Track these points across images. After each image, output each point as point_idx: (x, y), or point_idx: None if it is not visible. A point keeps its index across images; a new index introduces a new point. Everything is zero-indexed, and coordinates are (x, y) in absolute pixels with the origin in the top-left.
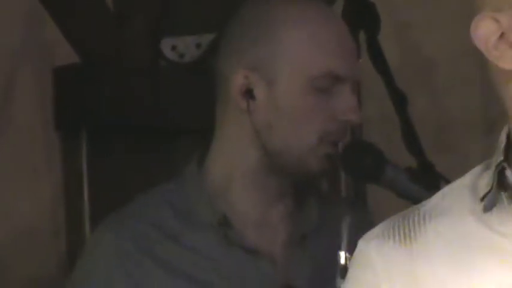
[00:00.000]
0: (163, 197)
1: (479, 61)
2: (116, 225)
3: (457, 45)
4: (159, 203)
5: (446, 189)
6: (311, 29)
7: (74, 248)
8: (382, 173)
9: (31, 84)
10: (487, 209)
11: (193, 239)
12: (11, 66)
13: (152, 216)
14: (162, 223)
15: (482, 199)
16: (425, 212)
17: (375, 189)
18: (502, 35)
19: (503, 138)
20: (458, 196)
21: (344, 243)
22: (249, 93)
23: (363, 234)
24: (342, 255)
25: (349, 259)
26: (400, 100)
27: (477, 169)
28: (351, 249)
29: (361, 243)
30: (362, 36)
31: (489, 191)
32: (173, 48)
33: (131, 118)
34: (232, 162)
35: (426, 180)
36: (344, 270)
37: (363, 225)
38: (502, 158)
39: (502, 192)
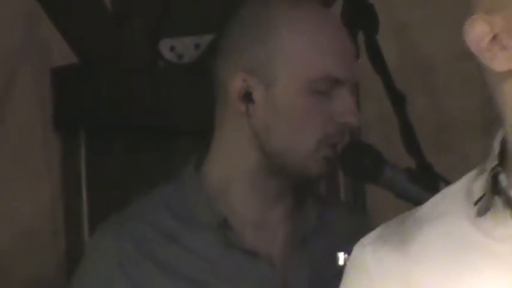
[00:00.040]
0: (163, 198)
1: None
2: (116, 227)
3: (456, 45)
4: (158, 204)
5: (440, 194)
6: (310, 31)
7: (73, 247)
8: (381, 174)
9: (30, 85)
10: (481, 213)
11: (192, 241)
12: (10, 67)
13: (152, 218)
14: (162, 225)
15: (476, 203)
16: (420, 217)
17: (374, 189)
18: (494, 37)
19: (497, 143)
20: (453, 201)
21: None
22: (247, 97)
23: (361, 237)
24: (341, 256)
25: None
26: (398, 101)
27: (472, 173)
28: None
29: (357, 248)
30: (361, 36)
31: (483, 196)
32: (172, 49)
33: (130, 118)
34: (231, 164)
35: (425, 181)
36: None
37: (361, 229)
38: (496, 162)
39: (496, 197)
